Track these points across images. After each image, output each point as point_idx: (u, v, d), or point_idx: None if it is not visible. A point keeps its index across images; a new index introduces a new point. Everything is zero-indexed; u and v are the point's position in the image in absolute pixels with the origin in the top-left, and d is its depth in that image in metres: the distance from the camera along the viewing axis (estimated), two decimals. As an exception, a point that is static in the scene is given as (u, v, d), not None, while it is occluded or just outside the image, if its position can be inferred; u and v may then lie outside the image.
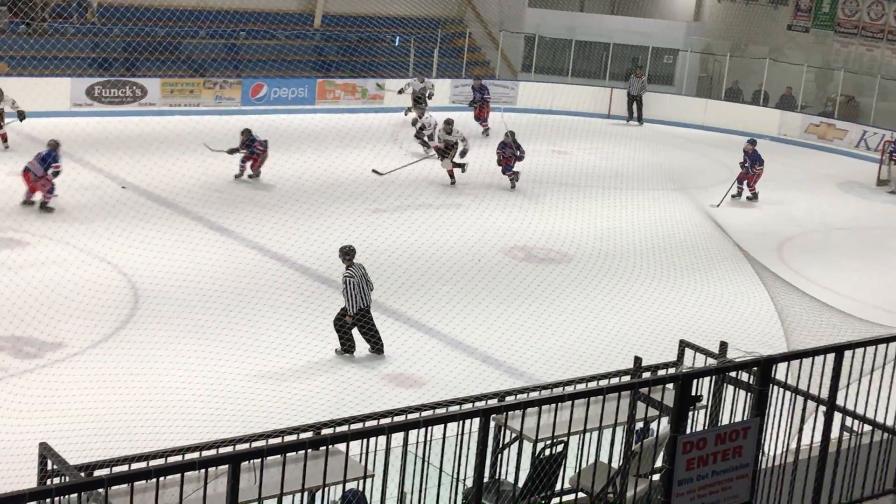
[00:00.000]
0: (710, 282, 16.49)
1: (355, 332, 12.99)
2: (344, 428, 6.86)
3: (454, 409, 7.18)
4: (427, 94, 25.81)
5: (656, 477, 6.83)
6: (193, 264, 14.74)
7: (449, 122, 21.69)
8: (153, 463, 6.40)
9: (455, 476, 7.05)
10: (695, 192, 22.16)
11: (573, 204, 19.97)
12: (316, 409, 10.41)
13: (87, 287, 13.41)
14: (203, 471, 5.04)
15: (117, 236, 15.33)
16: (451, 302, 14.53)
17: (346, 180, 19.68)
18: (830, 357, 6.79)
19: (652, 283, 16.39)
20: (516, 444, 7.21)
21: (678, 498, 6.03)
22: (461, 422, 6.23)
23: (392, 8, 28.77)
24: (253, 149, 20.17)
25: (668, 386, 6.87)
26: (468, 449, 6.71)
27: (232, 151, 20.00)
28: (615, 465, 7.00)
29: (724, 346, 8.19)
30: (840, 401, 7.14)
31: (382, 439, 5.78)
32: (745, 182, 22.30)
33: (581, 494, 7.23)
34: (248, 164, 20.33)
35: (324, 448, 5.67)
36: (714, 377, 6.82)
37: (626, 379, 8.13)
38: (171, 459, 6.57)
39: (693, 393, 6.07)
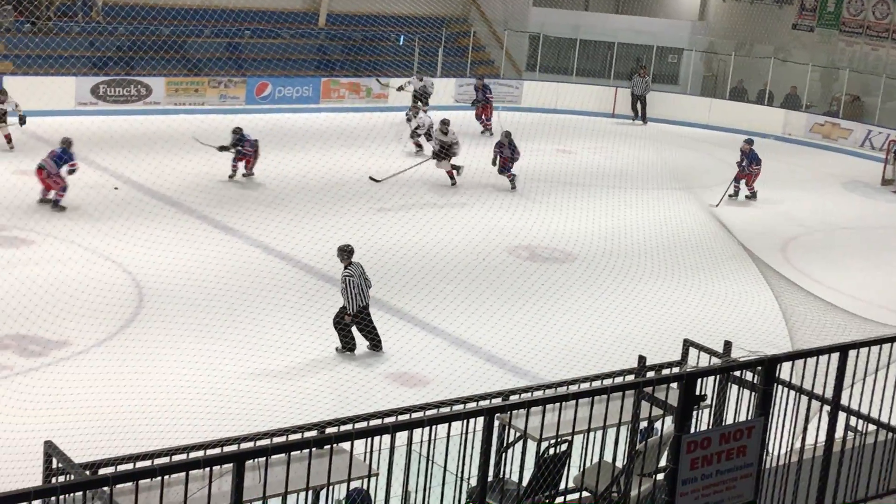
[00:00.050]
0: (714, 281, 16.49)
1: (354, 329, 13.01)
2: (348, 427, 6.86)
3: (458, 408, 7.20)
4: (426, 93, 25.73)
5: (660, 476, 6.83)
6: (198, 263, 14.74)
7: (445, 123, 21.40)
8: (158, 461, 6.44)
9: (459, 475, 7.05)
10: (699, 192, 22.11)
11: (577, 203, 19.96)
12: (320, 408, 10.43)
13: (92, 286, 13.44)
14: (207, 469, 5.05)
15: (122, 235, 15.35)
16: (455, 301, 14.53)
17: (350, 179, 19.70)
18: (835, 357, 6.79)
19: (656, 282, 16.38)
20: (520, 443, 7.20)
21: (682, 497, 6.03)
22: (465, 421, 6.23)
23: (396, 7, 28.74)
24: (241, 149, 19.92)
25: (672, 385, 6.85)
26: (472, 448, 6.70)
27: (222, 149, 19.79)
28: (619, 464, 7.00)
29: (728, 345, 8.18)
30: (844, 400, 7.13)
31: (387, 438, 5.78)
32: (742, 181, 22.30)
33: (585, 493, 7.22)
34: (241, 164, 20.08)
35: (328, 447, 5.67)
36: (718, 376, 6.81)
37: (631, 378, 8.14)
38: (176, 458, 6.58)
39: (697, 392, 6.07)
